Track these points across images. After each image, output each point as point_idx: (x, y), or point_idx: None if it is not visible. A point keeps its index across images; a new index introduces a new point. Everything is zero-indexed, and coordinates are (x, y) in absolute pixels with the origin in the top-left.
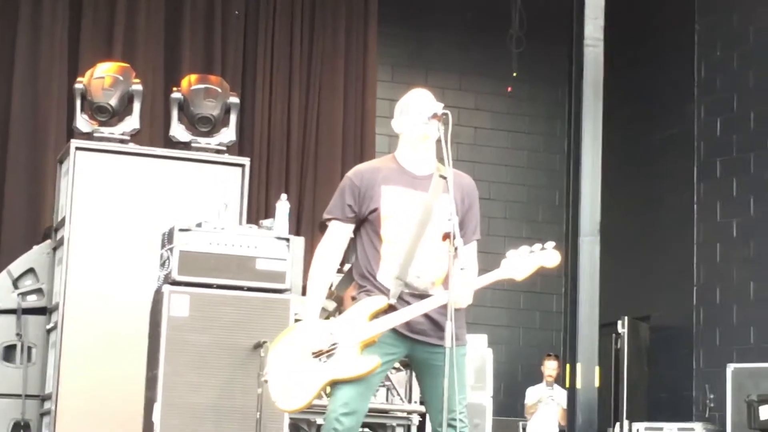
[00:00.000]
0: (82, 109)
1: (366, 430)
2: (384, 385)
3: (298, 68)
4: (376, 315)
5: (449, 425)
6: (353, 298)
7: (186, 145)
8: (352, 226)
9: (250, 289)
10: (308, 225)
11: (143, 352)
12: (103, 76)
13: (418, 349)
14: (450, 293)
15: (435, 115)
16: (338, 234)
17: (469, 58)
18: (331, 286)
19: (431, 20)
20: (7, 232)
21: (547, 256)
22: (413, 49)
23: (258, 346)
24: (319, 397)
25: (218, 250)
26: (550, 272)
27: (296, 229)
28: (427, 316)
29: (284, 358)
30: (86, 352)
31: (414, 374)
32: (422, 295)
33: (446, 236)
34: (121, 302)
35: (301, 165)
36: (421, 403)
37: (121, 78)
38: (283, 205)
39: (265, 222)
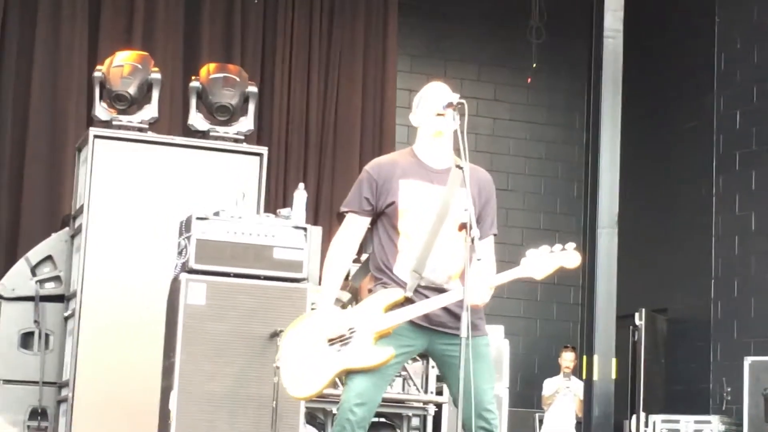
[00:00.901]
0: (101, 98)
1: (381, 419)
2: (400, 376)
3: (318, 58)
4: (393, 307)
5: (479, 416)
6: (370, 291)
7: (204, 134)
8: (368, 219)
9: (267, 278)
10: (326, 215)
11: (160, 340)
12: (122, 65)
13: (436, 341)
14: (466, 286)
15: (450, 104)
16: (354, 226)
17: (488, 49)
18: (348, 276)
19: (451, 11)
20: (26, 219)
21: (568, 256)
22: (432, 39)
23: (275, 335)
24: (334, 386)
25: (235, 239)
26: None
27: (314, 218)
28: (445, 308)
29: (298, 345)
30: (103, 339)
31: (438, 370)
32: (439, 289)
33: (462, 227)
34: (139, 290)
35: (320, 155)
36: (438, 393)
37: (139, 66)
38: (300, 195)
39: (283, 211)
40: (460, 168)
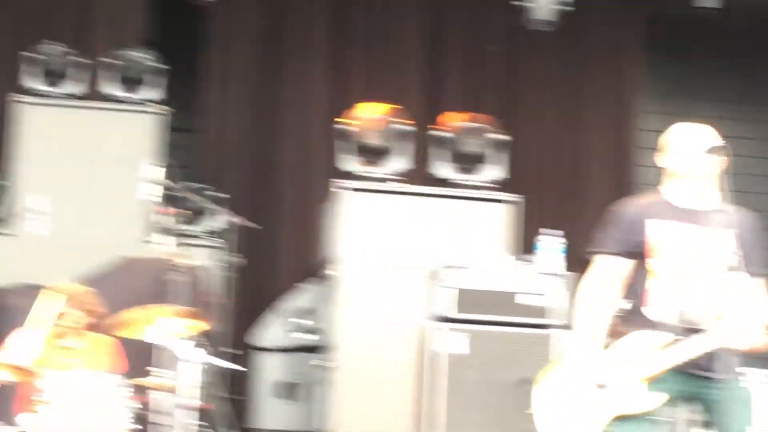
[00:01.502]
0: (349, 149)
1: None
2: (667, 422)
3: (565, 102)
4: (660, 349)
5: None
6: (622, 332)
7: (451, 183)
8: (621, 260)
9: (518, 325)
10: (575, 260)
11: (416, 387)
12: (368, 117)
13: (697, 385)
14: (729, 328)
15: (714, 149)
16: (605, 267)
17: (731, 85)
18: None
19: (696, 48)
20: (279, 271)
21: None
22: (676, 77)
23: (527, 382)
24: None
25: (490, 287)
26: None
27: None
28: None
29: (559, 391)
30: (361, 388)
31: (702, 415)
32: (699, 331)
33: (729, 268)
34: (392, 339)
35: (569, 200)
36: None
37: (387, 118)
38: (549, 241)
39: (533, 257)
40: (720, 211)
